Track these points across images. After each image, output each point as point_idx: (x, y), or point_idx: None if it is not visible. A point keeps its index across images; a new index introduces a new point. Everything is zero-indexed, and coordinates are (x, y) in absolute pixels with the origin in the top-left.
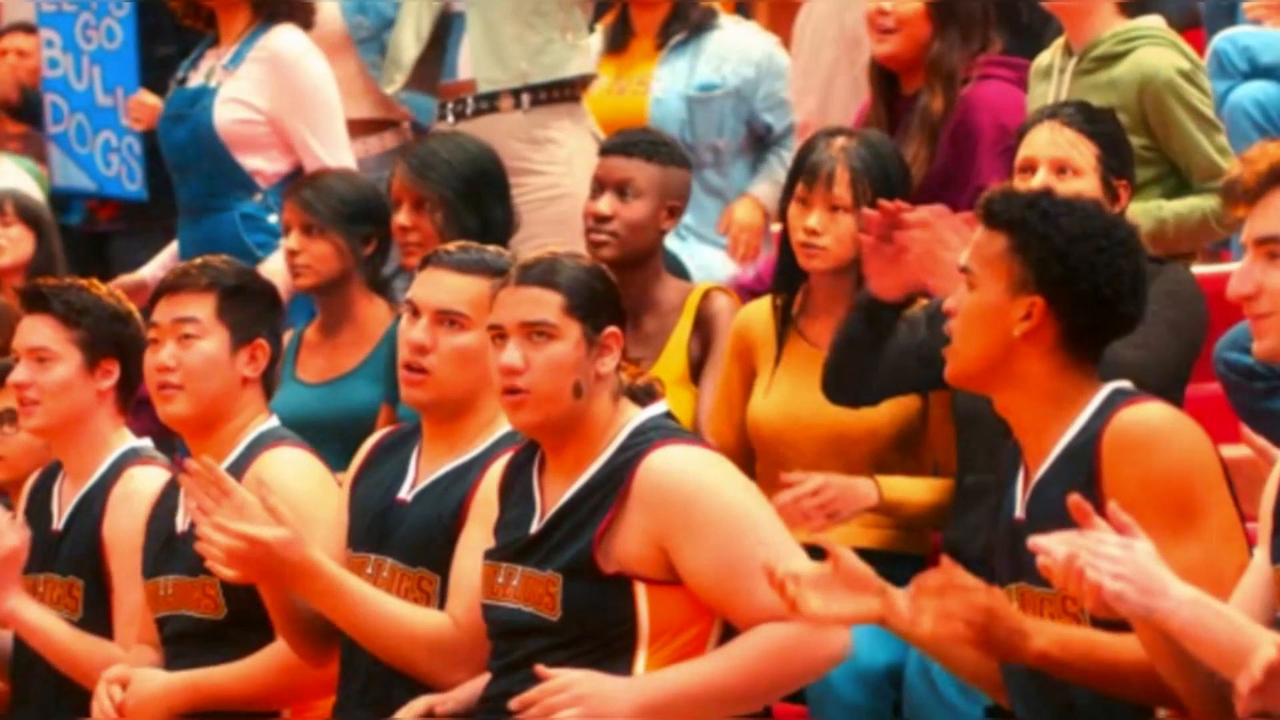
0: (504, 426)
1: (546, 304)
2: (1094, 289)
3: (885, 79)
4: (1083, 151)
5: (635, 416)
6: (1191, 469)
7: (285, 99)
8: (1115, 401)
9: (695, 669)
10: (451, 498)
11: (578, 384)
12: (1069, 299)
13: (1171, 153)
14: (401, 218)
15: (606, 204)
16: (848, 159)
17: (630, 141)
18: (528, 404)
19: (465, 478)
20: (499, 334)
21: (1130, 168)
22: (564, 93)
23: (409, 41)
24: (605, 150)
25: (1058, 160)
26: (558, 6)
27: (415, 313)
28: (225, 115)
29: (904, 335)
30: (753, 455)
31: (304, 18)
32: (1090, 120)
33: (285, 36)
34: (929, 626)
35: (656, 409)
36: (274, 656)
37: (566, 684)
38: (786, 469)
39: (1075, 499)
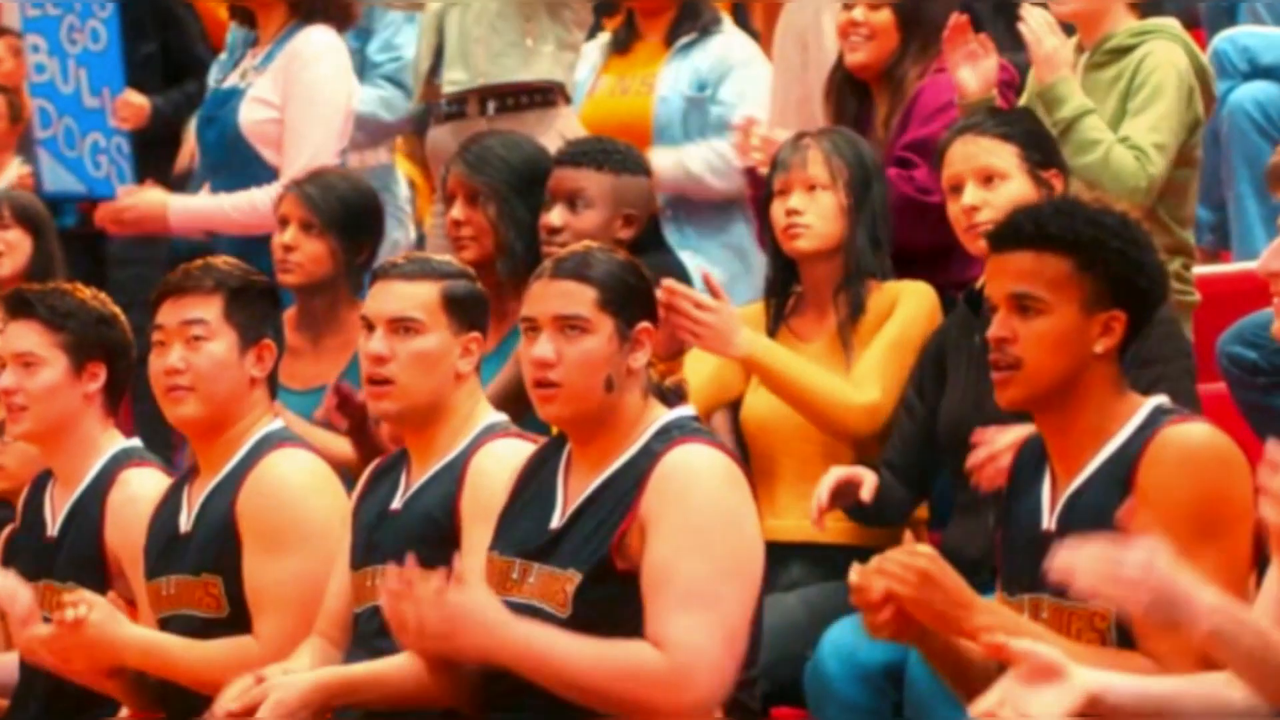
0: (481, 422)
1: (580, 298)
2: (1164, 292)
3: (853, 88)
4: (1002, 155)
5: (663, 415)
6: (1218, 499)
7: (289, 95)
8: (1160, 419)
9: (557, 640)
10: (439, 494)
11: (609, 378)
12: (1145, 308)
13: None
14: (455, 212)
15: (558, 216)
16: (817, 143)
17: (580, 151)
18: (559, 398)
19: (452, 472)
20: (531, 326)
21: (1056, 155)
22: (533, 99)
23: (424, 53)
24: (556, 161)
25: (980, 170)
26: (519, 12)
27: (370, 327)
28: (250, 115)
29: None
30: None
31: (341, 17)
32: (1003, 122)
33: (310, 35)
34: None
35: (684, 410)
36: (239, 648)
37: (447, 596)
38: (775, 462)
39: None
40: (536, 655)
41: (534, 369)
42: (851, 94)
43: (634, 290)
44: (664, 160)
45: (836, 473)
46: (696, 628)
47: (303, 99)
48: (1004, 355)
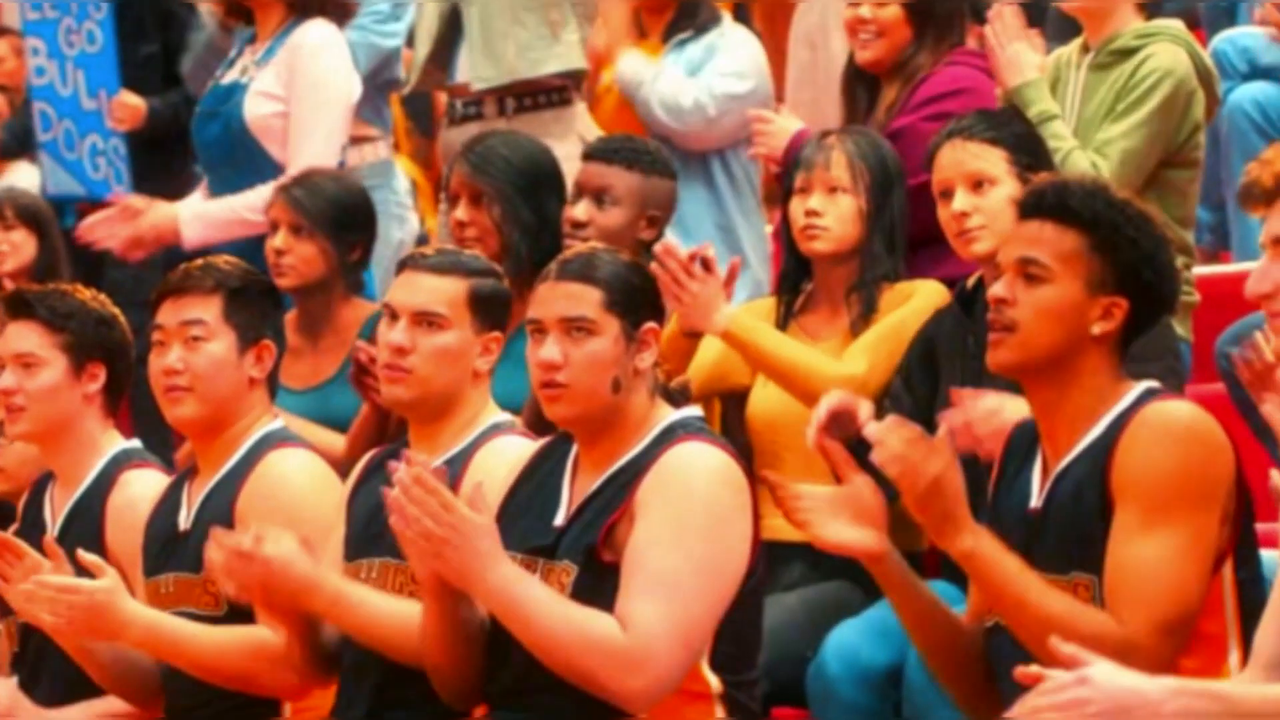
0: (487, 421)
1: (586, 299)
2: (1172, 293)
3: (864, 84)
4: (990, 159)
5: (669, 415)
6: (1191, 475)
7: (294, 89)
8: (1147, 398)
9: (533, 590)
10: None
11: (616, 379)
12: (1150, 301)
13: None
14: (459, 213)
15: (583, 210)
16: (842, 145)
17: (611, 148)
18: (565, 398)
19: (454, 469)
20: (538, 329)
21: (1045, 158)
22: (550, 98)
23: (422, 40)
24: (586, 156)
25: (969, 175)
26: (547, 2)
27: (394, 316)
28: (255, 109)
29: None
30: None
31: (338, 12)
32: (990, 126)
33: (311, 29)
34: (881, 456)
35: (691, 411)
36: (248, 638)
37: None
38: (780, 458)
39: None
40: (511, 598)
41: (540, 371)
42: (863, 89)
43: (639, 291)
44: (631, 66)
45: (835, 395)
46: (658, 616)
47: (308, 93)
48: (1000, 316)
